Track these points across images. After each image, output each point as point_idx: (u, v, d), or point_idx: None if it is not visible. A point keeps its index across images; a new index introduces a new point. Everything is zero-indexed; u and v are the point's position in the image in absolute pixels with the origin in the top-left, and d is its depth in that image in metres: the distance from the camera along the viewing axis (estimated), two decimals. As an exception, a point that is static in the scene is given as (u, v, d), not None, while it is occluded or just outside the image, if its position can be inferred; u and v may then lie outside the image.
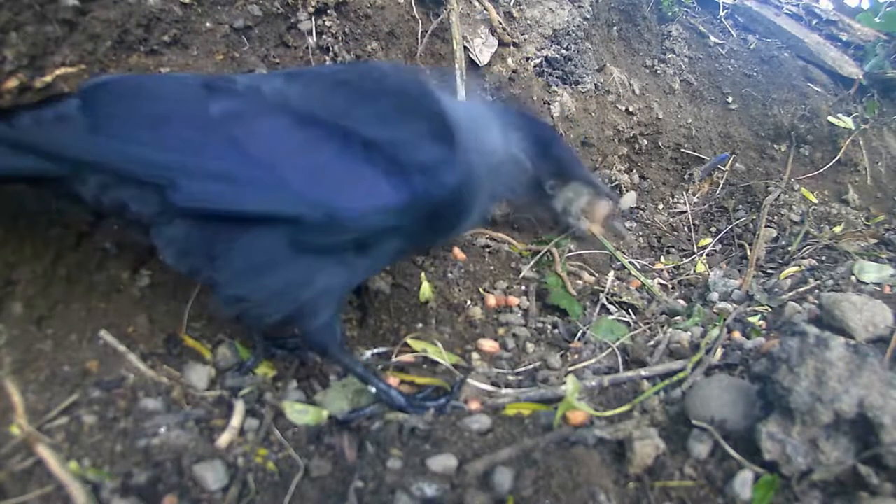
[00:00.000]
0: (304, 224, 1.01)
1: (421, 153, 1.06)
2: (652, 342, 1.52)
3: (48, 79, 1.33)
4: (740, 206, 2.47)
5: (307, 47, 1.62)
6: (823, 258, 1.97)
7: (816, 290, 1.69)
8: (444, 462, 1.04)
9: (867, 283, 1.69)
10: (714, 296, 1.80)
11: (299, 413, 1.19)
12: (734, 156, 2.65)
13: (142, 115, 1.01)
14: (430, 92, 1.14)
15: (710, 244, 2.28)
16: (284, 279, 1.06)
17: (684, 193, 2.54)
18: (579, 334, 1.56)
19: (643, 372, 1.35)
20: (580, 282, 1.85)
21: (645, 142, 2.47)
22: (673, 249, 2.28)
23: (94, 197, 1.03)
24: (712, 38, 2.87)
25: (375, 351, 1.40)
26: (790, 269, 1.90)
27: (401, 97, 1.13)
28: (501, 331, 1.56)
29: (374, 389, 1.20)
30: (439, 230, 1.19)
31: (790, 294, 1.70)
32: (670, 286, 1.98)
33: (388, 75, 1.18)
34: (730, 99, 2.74)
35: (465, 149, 1.11)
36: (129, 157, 0.99)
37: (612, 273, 1.93)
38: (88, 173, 1.02)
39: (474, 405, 1.23)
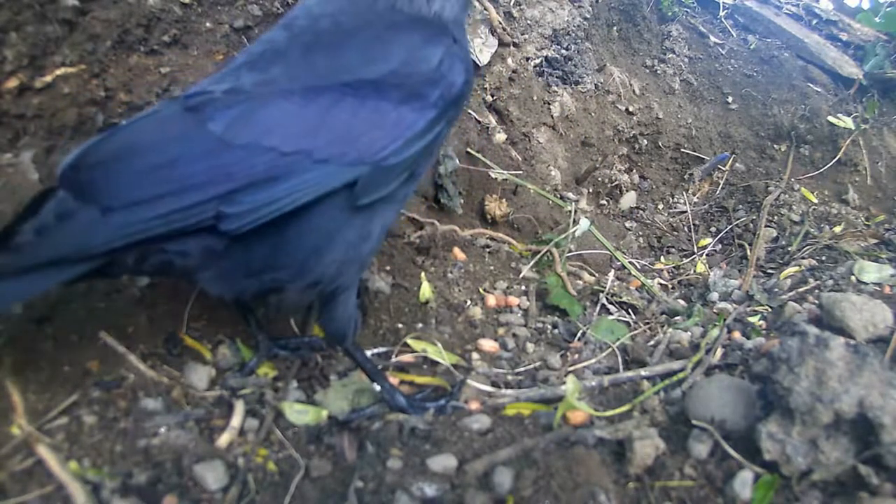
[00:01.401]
0: (359, 185, 1.00)
1: (421, 64, 1.05)
2: (652, 342, 1.52)
3: (48, 79, 1.33)
4: (740, 206, 2.47)
5: (307, 47, 1.62)
6: (823, 258, 1.97)
7: (816, 290, 1.69)
8: (444, 462, 1.04)
9: (867, 283, 1.69)
10: (714, 296, 1.80)
11: (299, 413, 1.19)
12: (734, 156, 2.65)
13: (146, 172, 0.94)
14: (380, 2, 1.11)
15: (710, 244, 2.28)
16: (346, 245, 1.04)
17: (684, 193, 2.55)
18: (579, 334, 1.56)
19: (643, 372, 1.35)
20: (580, 282, 1.85)
21: (645, 142, 2.47)
22: (673, 249, 2.28)
23: (135, 268, 0.99)
24: (712, 38, 2.87)
25: (375, 351, 1.40)
26: (790, 269, 1.90)
27: (368, 26, 1.10)
28: (501, 331, 1.56)
29: (378, 387, 1.20)
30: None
31: (790, 294, 1.70)
32: (670, 286, 1.98)
33: (338, 18, 1.11)
34: (730, 99, 2.74)
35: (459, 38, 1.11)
36: (161, 217, 0.91)
37: (612, 273, 1.93)
38: (123, 254, 0.95)
39: (474, 405, 1.23)
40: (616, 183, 2.35)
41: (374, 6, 1.11)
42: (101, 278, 1.04)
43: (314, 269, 1.03)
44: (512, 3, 2.19)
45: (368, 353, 1.39)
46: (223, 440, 1.10)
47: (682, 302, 1.81)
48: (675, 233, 2.37)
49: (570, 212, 1.89)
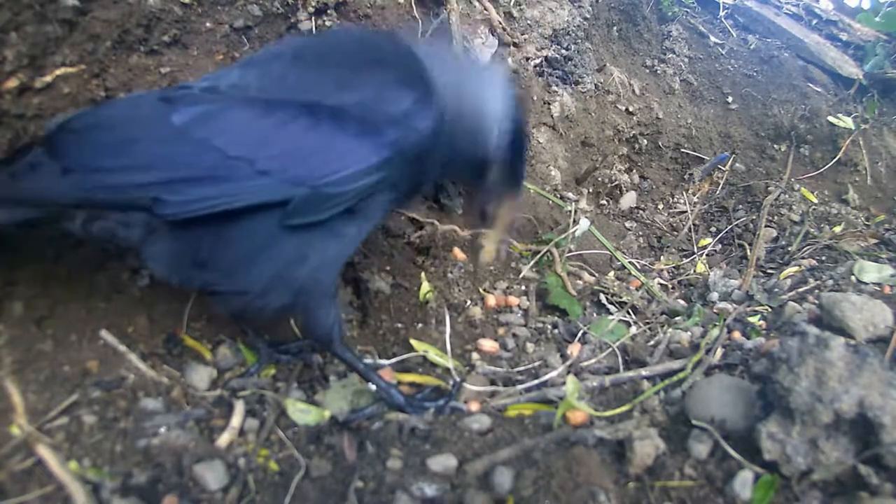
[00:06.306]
0: (292, 205, 1.02)
1: (390, 104, 1.06)
2: (652, 342, 1.52)
3: (48, 79, 1.33)
4: (740, 206, 2.47)
5: (307, 47, 1.62)
6: (823, 258, 1.97)
7: (816, 290, 1.69)
8: (444, 462, 1.04)
9: (867, 283, 1.69)
10: (714, 296, 1.80)
11: (302, 413, 1.19)
12: (734, 156, 2.65)
13: (107, 145, 1.02)
14: (401, 43, 1.14)
15: (710, 244, 2.28)
16: (279, 261, 1.06)
17: (684, 193, 2.54)
18: (579, 334, 1.56)
19: (643, 372, 1.35)
20: (580, 282, 1.85)
21: (645, 142, 2.47)
22: (673, 249, 2.28)
23: (83, 230, 1.06)
24: (712, 38, 2.87)
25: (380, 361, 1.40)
26: (790, 269, 1.90)
27: (364, 53, 1.12)
28: (501, 331, 1.56)
29: (374, 387, 1.20)
30: (423, 173, 1.17)
31: (790, 294, 1.70)
32: (670, 286, 1.98)
33: (353, 39, 1.16)
34: (730, 99, 2.74)
35: (439, 91, 1.11)
36: (107, 188, 1.00)
37: (612, 273, 1.93)
38: (73, 211, 1.04)
39: (474, 406, 1.23)
40: (616, 183, 2.35)
41: (384, 44, 1.15)
42: (57, 234, 1.11)
43: (241, 278, 1.06)
44: (512, 3, 2.19)
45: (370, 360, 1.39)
46: (223, 440, 1.10)
47: (682, 302, 1.81)
48: (675, 233, 2.37)
49: (570, 212, 1.89)
